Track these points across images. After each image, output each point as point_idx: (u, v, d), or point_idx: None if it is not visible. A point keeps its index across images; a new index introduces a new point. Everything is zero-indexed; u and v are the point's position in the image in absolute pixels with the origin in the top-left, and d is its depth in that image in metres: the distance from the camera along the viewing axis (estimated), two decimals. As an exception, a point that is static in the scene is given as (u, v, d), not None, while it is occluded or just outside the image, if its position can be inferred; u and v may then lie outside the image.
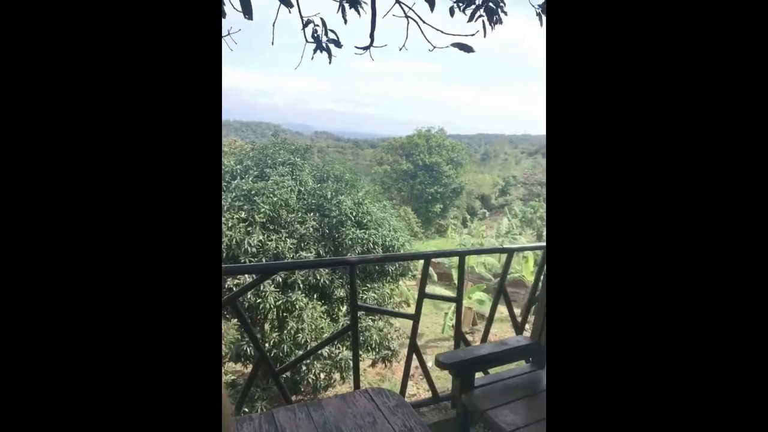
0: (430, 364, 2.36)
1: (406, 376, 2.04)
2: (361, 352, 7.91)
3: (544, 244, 2.43)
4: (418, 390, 9.57)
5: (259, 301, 6.93)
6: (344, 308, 7.84)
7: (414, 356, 2.04)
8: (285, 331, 7.26)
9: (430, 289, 1.92)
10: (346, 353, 7.27)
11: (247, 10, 1.66)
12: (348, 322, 1.94)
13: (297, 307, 7.19)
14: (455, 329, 2.11)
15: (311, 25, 2.16)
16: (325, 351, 7.19)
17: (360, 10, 2.24)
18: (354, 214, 8.30)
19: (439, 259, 16.23)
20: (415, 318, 1.97)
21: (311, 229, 7.92)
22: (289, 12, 1.93)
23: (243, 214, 7.47)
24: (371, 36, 2.10)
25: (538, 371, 1.83)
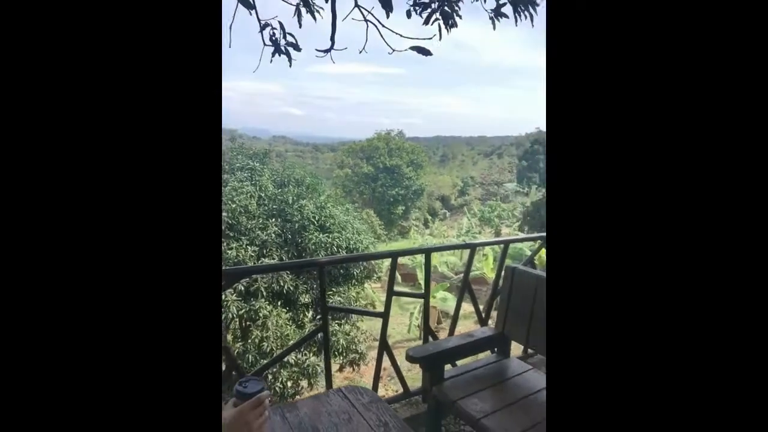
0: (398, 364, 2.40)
1: (378, 373, 2.07)
2: (328, 357, 7.86)
3: (503, 239, 2.54)
4: (386, 392, 9.60)
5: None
6: (310, 314, 7.74)
7: (384, 356, 2.07)
8: (249, 341, 7.07)
9: (395, 289, 1.95)
10: (313, 359, 7.18)
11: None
12: (314, 327, 1.94)
13: (261, 315, 7.03)
14: (423, 324, 2.16)
15: (269, 29, 2.15)
16: (291, 358, 7.07)
17: (316, 14, 2.26)
18: (317, 218, 8.24)
19: (403, 261, 16.41)
20: (385, 316, 2.00)
21: (273, 235, 7.77)
22: (250, 14, 1.90)
23: (201, 222, 7.20)
24: (332, 39, 2.12)
25: (503, 360, 1.91)
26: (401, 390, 2.20)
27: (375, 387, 2.09)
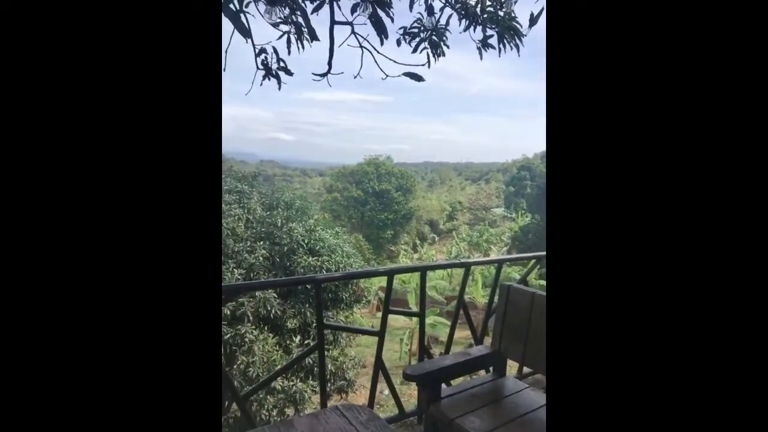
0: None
1: (373, 392, 2.03)
2: (315, 383, 7.63)
3: (497, 258, 2.57)
4: (380, 414, 9.30)
5: (205, 336, 6.52)
6: (297, 339, 7.57)
7: (378, 376, 2.04)
8: (235, 367, 6.85)
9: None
10: (301, 385, 6.98)
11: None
12: (301, 352, 1.91)
13: (247, 340, 6.85)
14: (419, 343, 2.15)
15: (263, 54, 2.20)
16: (278, 384, 6.86)
17: (305, 42, 2.33)
18: (306, 242, 8.18)
19: (393, 285, 16.26)
20: (381, 334, 1.99)
21: (261, 258, 7.67)
22: (246, 42, 1.95)
23: (188, 245, 7.09)
24: (329, 63, 2.19)
25: (499, 379, 1.90)
26: (394, 413, 2.16)
27: (371, 406, 2.05)
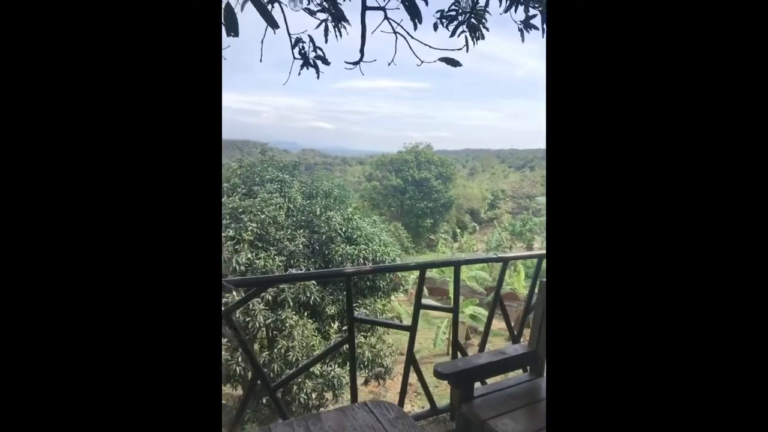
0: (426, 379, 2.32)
1: (404, 388, 2.01)
2: (353, 370, 7.81)
3: (537, 252, 2.45)
4: (413, 408, 9.40)
5: (248, 319, 6.81)
6: (335, 325, 7.74)
7: (410, 371, 2.01)
8: (275, 350, 7.12)
9: (423, 302, 1.90)
10: (339, 371, 7.14)
11: (232, 28, 1.64)
12: (340, 339, 1.91)
13: (287, 325, 7.08)
14: (453, 339, 2.09)
15: (300, 44, 2.18)
16: (316, 369, 7.06)
17: (342, 30, 2.28)
18: (344, 230, 8.29)
19: (432, 274, 16.16)
20: (412, 329, 1.95)
21: (301, 246, 7.87)
22: (275, 33, 1.93)
23: (231, 233, 7.40)
24: (361, 51, 2.14)
25: (536, 380, 1.82)
26: (428, 406, 2.13)
27: (401, 402, 2.03)
